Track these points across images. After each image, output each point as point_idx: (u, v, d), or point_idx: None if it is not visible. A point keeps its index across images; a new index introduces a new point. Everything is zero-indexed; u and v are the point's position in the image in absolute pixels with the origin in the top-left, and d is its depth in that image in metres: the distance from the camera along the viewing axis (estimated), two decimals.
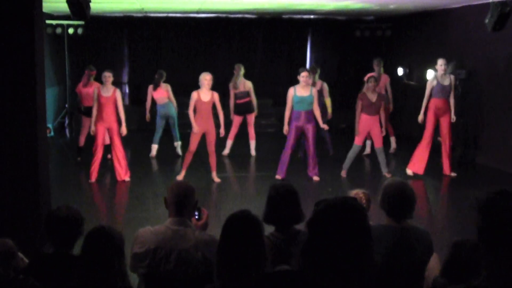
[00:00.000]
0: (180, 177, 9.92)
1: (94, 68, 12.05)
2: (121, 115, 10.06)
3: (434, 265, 4.09)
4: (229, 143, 12.55)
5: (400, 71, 15.07)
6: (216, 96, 9.88)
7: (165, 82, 12.33)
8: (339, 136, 14.42)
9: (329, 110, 12.26)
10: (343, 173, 10.57)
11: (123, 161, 10.15)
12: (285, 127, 10.20)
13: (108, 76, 9.99)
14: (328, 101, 12.24)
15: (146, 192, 9.60)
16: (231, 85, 12.39)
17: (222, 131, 10.09)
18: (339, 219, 2.14)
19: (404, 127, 14.71)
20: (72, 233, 3.81)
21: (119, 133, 10.05)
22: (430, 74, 11.04)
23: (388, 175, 10.28)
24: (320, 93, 12.01)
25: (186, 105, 13.18)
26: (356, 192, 4.94)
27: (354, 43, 17.09)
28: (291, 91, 10.10)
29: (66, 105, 15.91)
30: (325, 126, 10.27)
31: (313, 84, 11.88)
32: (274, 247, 3.86)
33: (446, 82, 10.36)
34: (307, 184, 9.96)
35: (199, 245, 3.78)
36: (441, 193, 10.33)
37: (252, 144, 12.53)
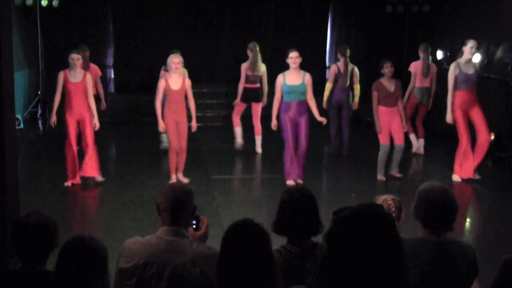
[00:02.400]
0: (172, 181, 9.95)
1: (87, 48, 12.11)
2: (92, 105, 10.04)
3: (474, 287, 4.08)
4: (238, 130, 12.57)
5: (439, 55, 15.01)
6: (188, 83, 9.90)
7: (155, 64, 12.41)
8: (364, 131, 14.41)
9: (356, 99, 12.26)
10: (380, 177, 10.56)
11: (96, 158, 10.10)
12: (273, 121, 10.12)
13: (77, 58, 9.98)
14: (357, 89, 12.23)
15: (134, 197, 9.61)
16: (246, 66, 12.22)
17: (194, 124, 10.13)
18: (363, 230, 2.13)
19: (445, 121, 14.61)
20: (44, 245, 3.79)
21: (92, 126, 10.01)
22: (476, 58, 10.96)
23: (397, 175, 10.33)
24: (351, 79, 12.02)
25: None
26: (384, 199, 4.94)
27: (385, 21, 17.05)
28: (280, 79, 9.97)
29: (39, 92, 15.95)
30: (323, 120, 10.09)
31: (346, 69, 11.88)
32: (286, 263, 3.86)
33: (471, 70, 10.25)
34: (324, 189, 9.95)
35: (197, 260, 3.77)
36: (488, 201, 10.29)
37: (258, 140, 12.47)
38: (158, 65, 12.66)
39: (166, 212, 3.90)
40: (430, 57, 12.53)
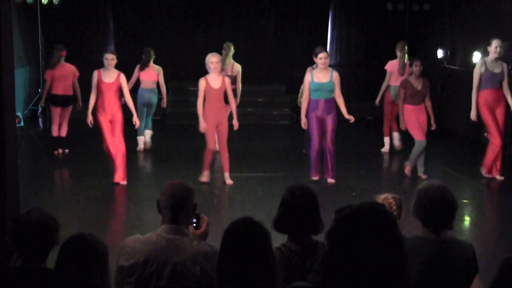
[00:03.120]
0: (204, 178, 10.00)
1: (64, 48, 12.11)
2: (129, 104, 10.08)
3: (476, 285, 4.08)
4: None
5: (440, 53, 15.02)
6: (227, 81, 9.90)
7: (155, 63, 12.38)
8: (365, 130, 14.41)
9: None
10: (407, 170, 10.59)
11: (124, 162, 10.09)
12: (303, 119, 10.15)
13: (111, 58, 9.98)
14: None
15: (134, 195, 9.61)
16: None
17: (235, 122, 10.13)
18: (365, 229, 2.14)
19: (446, 120, 14.64)
20: (45, 243, 3.78)
21: (123, 126, 10.02)
22: (476, 57, 10.96)
23: (423, 177, 10.27)
24: None
25: (183, 91, 13.26)
26: (385, 197, 4.93)
27: (385, 19, 17.04)
28: (308, 77, 10.06)
29: (39, 90, 15.94)
30: (351, 117, 10.14)
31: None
32: (286, 261, 3.87)
33: (498, 69, 10.20)
34: (324, 188, 9.95)
35: (198, 258, 3.78)
36: (488, 199, 10.29)
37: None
38: (158, 63, 12.62)
39: (167, 210, 3.91)
40: (406, 55, 12.56)
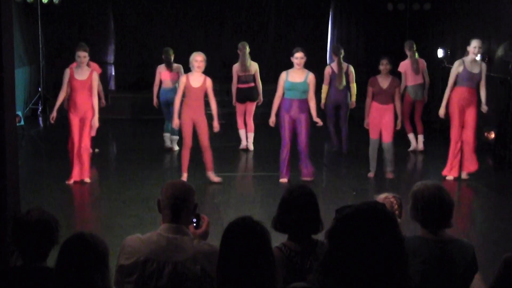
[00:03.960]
0: (183, 179, 9.98)
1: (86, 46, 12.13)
2: (94, 104, 9.98)
3: (477, 285, 4.08)
4: (242, 132, 12.62)
5: (440, 53, 15.00)
6: (209, 82, 9.90)
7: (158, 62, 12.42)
8: (365, 129, 14.39)
9: (353, 98, 12.30)
10: (370, 174, 10.57)
11: (89, 159, 10.05)
12: (272, 118, 10.14)
13: (83, 56, 9.92)
14: (353, 88, 12.27)
15: (135, 194, 9.61)
16: (237, 67, 12.36)
17: (215, 124, 10.09)
18: (366, 228, 2.14)
19: (445, 120, 14.62)
20: (45, 242, 3.79)
21: (91, 126, 9.98)
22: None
23: (390, 176, 10.35)
24: (347, 78, 12.08)
25: None
26: (386, 197, 4.91)
27: (386, 19, 17.03)
28: (283, 76, 10.02)
29: (40, 89, 15.94)
30: (318, 121, 10.09)
31: (340, 68, 11.92)
32: (286, 260, 3.87)
33: (476, 69, 10.20)
34: (324, 187, 9.95)
35: (198, 257, 3.78)
36: (487, 199, 10.29)
37: (251, 137, 12.55)
38: (159, 63, 12.64)
39: (167, 210, 3.91)
40: (416, 53, 12.56)
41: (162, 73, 12.40)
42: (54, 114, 10.05)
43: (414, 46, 12.61)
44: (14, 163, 6.56)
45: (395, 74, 11.24)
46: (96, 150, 11.84)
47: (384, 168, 10.52)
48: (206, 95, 10.03)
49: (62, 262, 3.32)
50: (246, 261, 3.01)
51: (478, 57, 10.52)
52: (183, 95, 9.88)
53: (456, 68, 10.28)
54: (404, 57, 12.83)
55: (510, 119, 11.44)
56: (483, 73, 10.24)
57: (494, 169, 11.46)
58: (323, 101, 12.19)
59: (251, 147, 12.53)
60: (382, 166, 10.53)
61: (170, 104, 12.37)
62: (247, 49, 12.29)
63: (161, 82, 12.48)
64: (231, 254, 3.05)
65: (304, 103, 9.96)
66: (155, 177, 10.50)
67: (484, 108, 10.30)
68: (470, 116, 10.29)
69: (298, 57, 9.91)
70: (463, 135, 10.37)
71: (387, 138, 10.44)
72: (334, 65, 12.19)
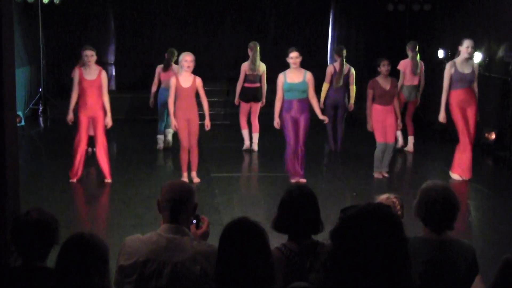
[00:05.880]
0: (183, 179, 9.98)
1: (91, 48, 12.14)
2: (105, 103, 10.01)
3: (477, 286, 4.07)
4: (245, 133, 12.60)
5: (441, 54, 15.00)
6: (199, 81, 9.89)
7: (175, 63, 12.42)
8: (364, 130, 14.39)
9: (352, 100, 12.31)
10: (376, 174, 10.58)
11: (107, 159, 10.11)
12: (276, 120, 10.15)
13: (91, 55, 9.95)
14: (352, 90, 12.28)
15: (134, 194, 9.60)
16: (246, 66, 12.29)
17: (207, 123, 10.11)
18: (370, 229, 2.13)
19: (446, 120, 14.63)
20: (45, 242, 3.78)
21: (104, 125, 10.00)
22: (477, 57, 10.94)
23: (385, 175, 10.42)
24: (347, 79, 12.08)
25: None
26: (387, 197, 4.91)
27: (386, 19, 17.03)
28: (281, 78, 10.02)
29: (40, 89, 15.94)
30: (324, 118, 10.17)
31: (341, 69, 11.93)
32: (286, 261, 3.86)
33: (467, 69, 10.21)
34: (324, 188, 9.93)
35: (198, 257, 3.77)
36: (488, 200, 10.28)
37: (255, 137, 12.52)
38: (159, 62, 12.65)
39: (167, 210, 3.90)
40: (418, 55, 12.56)
41: (162, 73, 12.39)
42: (70, 115, 10.04)
43: (417, 47, 12.61)
44: (14, 163, 6.56)
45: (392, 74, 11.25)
46: (92, 149, 11.86)
47: (382, 167, 10.49)
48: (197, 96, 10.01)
49: (61, 262, 3.32)
50: (244, 262, 3.01)
51: (476, 58, 10.52)
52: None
53: (449, 70, 10.32)
54: (404, 56, 12.84)
55: (509, 120, 11.44)
56: (476, 73, 10.27)
57: (493, 170, 11.45)
58: (322, 99, 12.18)
59: (256, 147, 12.48)
60: (394, 166, 10.53)
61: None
62: (258, 49, 12.25)
63: (160, 82, 12.47)
64: (229, 255, 3.05)
65: (304, 103, 9.97)
66: (154, 177, 10.51)
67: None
68: (470, 118, 10.30)
69: (293, 56, 9.92)
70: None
71: (391, 139, 10.43)
72: (337, 64, 12.20)
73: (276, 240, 3.98)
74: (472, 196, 10.15)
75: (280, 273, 3.60)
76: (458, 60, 10.29)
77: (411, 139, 12.65)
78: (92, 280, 3.27)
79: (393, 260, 2.11)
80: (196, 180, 10.10)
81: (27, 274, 3.71)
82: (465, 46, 10.18)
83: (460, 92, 10.25)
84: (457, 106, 10.28)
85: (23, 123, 14.18)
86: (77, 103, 9.98)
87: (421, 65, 12.66)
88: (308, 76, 9.96)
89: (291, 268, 3.84)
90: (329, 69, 12.28)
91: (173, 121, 9.87)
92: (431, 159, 12.32)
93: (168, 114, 12.49)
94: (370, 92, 10.44)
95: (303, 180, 10.01)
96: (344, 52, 12.16)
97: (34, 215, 3.80)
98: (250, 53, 12.26)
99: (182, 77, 9.82)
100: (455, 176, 10.51)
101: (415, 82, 12.57)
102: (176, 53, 12.37)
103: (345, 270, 2.12)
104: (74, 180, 10.01)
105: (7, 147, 6.28)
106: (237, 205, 9.38)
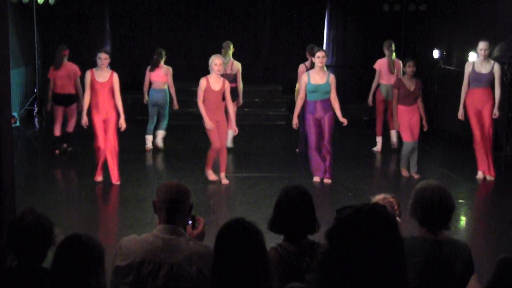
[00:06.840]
0: (211, 177, 10.06)
1: (66, 47, 12.12)
2: (118, 105, 10.01)
3: (473, 285, 4.08)
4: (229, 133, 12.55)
5: (436, 53, 15.03)
6: (227, 84, 9.95)
7: (165, 63, 12.39)
8: (362, 130, 14.41)
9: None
10: (404, 172, 10.60)
11: (117, 161, 10.08)
12: (294, 120, 10.16)
13: (105, 58, 10.01)
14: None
15: (130, 195, 9.59)
16: None
17: (233, 126, 10.22)
18: (365, 230, 2.14)
19: (442, 121, 14.66)
20: (40, 244, 3.77)
21: (117, 127, 9.99)
22: (472, 57, 11.00)
23: (416, 176, 10.30)
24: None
25: (180, 92, 13.26)
26: (384, 197, 4.90)
27: (382, 19, 17.04)
28: (305, 78, 10.04)
29: (35, 90, 15.91)
30: (344, 120, 10.15)
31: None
32: (282, 261, 3.86)
33: (484, 69, 10.25)
34: (319, 188, 9.94)
35: (194, 258, 3.77)
36: (484, 200, 10.30)
37: (230, 134, 12.26)
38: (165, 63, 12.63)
39: (163, 211, 3.90)
40: (394, 53, 12.57)
41: (152, 74, 12.38)
42: (85, 119, 10.02)
43: (393, 46, 12.63)
44: (9, 164, 6.55)
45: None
46: (66, 148, 11.91)
47: (411, 168, 10.52)
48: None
49: (57, 263, 3.32)
50: (240, 262, 3.01)
51: (471, 58, 10.53)
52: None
53: (467, 69, 10.41)
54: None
55: (505, 120, 11.46)
56: (497, 74, 10.27)
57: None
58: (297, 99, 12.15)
59: (230, 144, 12.32)
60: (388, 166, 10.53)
61: (157, 105, 12.36)
62: (231, 49, 12.26)
63: (151, 82, 12.45)
64: (225, 255, 3.06)
65: (327, 103, 10.01)
66: (151, 178, 10.50)
67: (495, 113, 10.34)
68: (486, 119, 10.38)
69: (320, 56, 9.92)
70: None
71: (416, 138, 10.46)
72: (308, 63, 12.03)
73: (272, 241, 3.98)
74: (468, 196, 10.16)
75: (276, 274, 3.60)
76: (477, 60, 10.34)
77: (393, 132, 12.62)
78: (88, 280, 3.27)
79: (389, 260, 2.11)
80: (224, 181, 10.10)
81: (23, 275, 3.71)
82: (479, 48, 10.23)
83: (475, 91, 10.32)
84: (470, 105, 10.37)
85: (18, 123, 14.16)
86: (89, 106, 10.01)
87: (397, 63, 12.64)
88: (331, 78, 10.02)
89: (287, 268, 3.85)
90: (301, 68, 12.17)
91: (207, 121, 9.81)
92: (428, 159, 12.31)
93: (161, 115, 12.49)
94: (395, 92, 10.46)
95: (328, 181, 10.09)
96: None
97: (28, 219, 3.75)
98: (222, 51, 12.20)
99: (213, 79, 9.83)
100: (480, 174, 10.54)
101: (392, 81, 12.53)
102: (164, 54, 12.36)
103: (341, 270, 2.13)
104: (117, 183, 9.97)
105: (3, 148, 6.28)
106: (233, 205, 9.38)
